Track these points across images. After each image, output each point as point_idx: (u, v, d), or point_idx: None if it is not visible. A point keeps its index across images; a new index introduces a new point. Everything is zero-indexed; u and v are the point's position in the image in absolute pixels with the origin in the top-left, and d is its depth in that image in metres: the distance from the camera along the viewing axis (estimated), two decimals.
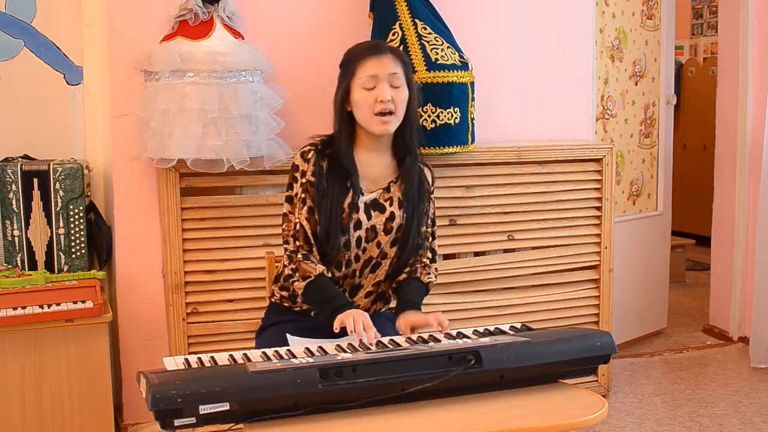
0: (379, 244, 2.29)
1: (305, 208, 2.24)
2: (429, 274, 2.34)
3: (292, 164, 2.30)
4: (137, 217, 2.98)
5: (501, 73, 3.42)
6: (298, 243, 2.24)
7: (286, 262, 2.27)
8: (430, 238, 2.38)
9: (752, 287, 3.99)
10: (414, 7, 2.96)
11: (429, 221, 2.38)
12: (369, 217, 2.27)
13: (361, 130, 2.27)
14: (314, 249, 2.24)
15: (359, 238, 2.27)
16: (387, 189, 2.30)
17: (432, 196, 2.39)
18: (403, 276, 2.32)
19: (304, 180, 2.26)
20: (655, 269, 4.45)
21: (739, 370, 3.88)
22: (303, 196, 2.25)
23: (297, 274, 2.21)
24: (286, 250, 2.27)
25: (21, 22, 3.04)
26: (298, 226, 2.24)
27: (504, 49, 3.43)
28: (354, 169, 2.26)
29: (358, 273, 2.30)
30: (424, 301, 2.31)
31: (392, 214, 2.28)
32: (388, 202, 2.29)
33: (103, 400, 2.72)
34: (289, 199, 2.30)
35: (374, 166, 2.30)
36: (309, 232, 2.23)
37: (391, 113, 2.21)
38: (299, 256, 2.22)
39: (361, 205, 2.27)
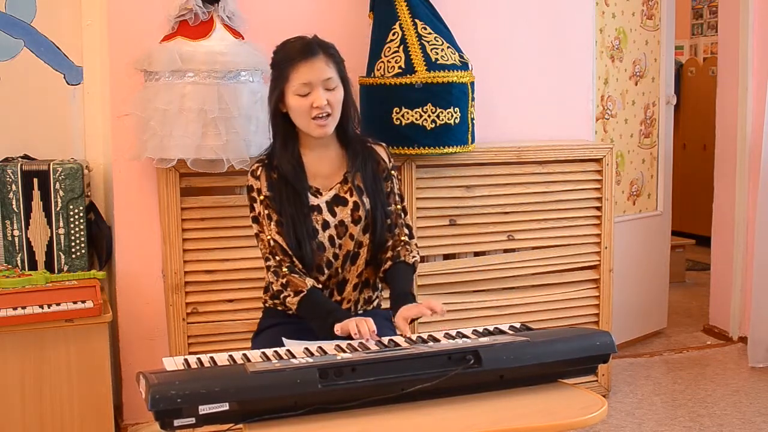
0: (352, 236, 2.29)
1: (272, 223, 2.25)
2: (411, 252, 2.33)
3: (246, 186, 2.31)
4: (137, 217, 2.98)
5: (501, 73, 3.42)
6: (278, 258, 2.24)
7: (272, 279, 2.25)
8: (402, 214, 2.38)
9: (752, 287, 3.99)
10: (414, 7, 2.96)
11: (397, 198, 2.37)
12: (334, 214, 2.28)
13: (303, 131, 2.28)
14: (294, 260, 2.24)
15: (331, 237, 2.27)
16: (344, 181, 2.31)
17: (393, 172, 2.38)
18: (389, 263, 2.31)
19: (261, 197, 2.27)
20: (655, 269, 4.45)
21: (739, 370, 3.88)
22: (267, 212, 2.26)
23: (288, 289, 2.20)
24: (269, 268, 2.26)
25: (21, 22, 3.04)
26: (272, 242, 2.25)
27: (504, 49, 3.43)
28: (297, 172, 2.25)
29: (339, 270, 2.31)
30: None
31: (356, 203, 2.29)
32: (348, 194, 2.29)
33: (103, 400, 2.72)
34: (255, 220, 2.30)
35: (324, 163, 2.31)
36: (284, 245, 2.24)
37: (328, 115, 2.22)
38: (284, 269, 2.22)
39: (323, 205, 2.27)
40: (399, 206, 2.37)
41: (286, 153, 2.27)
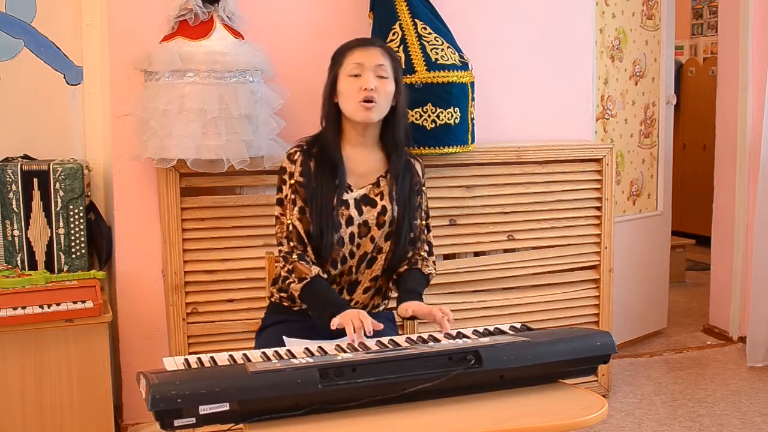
0: (372, 239, 2.30)
1: (296, 208, 2.26)
2: (428, 266, 2.35)
3: (279, 167, 2.33)
4: (137, 217, 2.98)
5: (501, 73, 3.42)
6: (291, 244, 2.25)
7: (281, 264, 2.27)
8: (426, 231, 2.39)
9: (752, 287, 3.99)
10: (414, 7, 2.96)
11: (423, 214, 2.39)
12: (360, 213, 2.28)
13: (348, 124, 2.29)
14: (308, 249, 2.25)
15: (352, 234, 2.28)
16: (376, 184, 2.32)
17: (423, 188, 2.40)
18: (404, 267, 2.33)
19: (292, 181, 2.27)
20: (655, 269, 4.45)
21: (738, 370, 3.88)
22: (293, 197, 2.26)
23: (293, 275, 2.22)
24: (280, 252, 2.28)
25: (21, 22, 3.04)
26: (290, 227, 2.26)
27: (504, 49, 3.43)
28: (340, 161, 2.27)
29: (354, 269, 2.31)
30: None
31: (384, 207, 2.30)
32: (378, 197, 2.30)
33: (103, 400, 2.72)
34: (280, 202, 2.31)
35: (362, 162, 2.31)
36: (302, 232, 2.25)
37: (373, 101, 2.22)
38: (294, 256, 2.23)
39: (351, 201, 2.28)
40: (424, 222, 2.39)
41: (329, 143, 2.29)
